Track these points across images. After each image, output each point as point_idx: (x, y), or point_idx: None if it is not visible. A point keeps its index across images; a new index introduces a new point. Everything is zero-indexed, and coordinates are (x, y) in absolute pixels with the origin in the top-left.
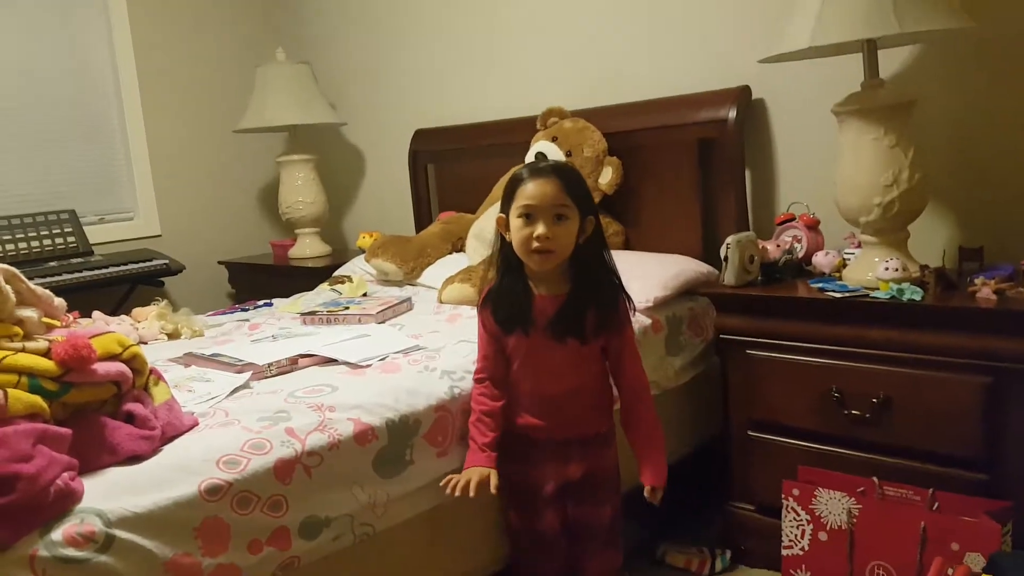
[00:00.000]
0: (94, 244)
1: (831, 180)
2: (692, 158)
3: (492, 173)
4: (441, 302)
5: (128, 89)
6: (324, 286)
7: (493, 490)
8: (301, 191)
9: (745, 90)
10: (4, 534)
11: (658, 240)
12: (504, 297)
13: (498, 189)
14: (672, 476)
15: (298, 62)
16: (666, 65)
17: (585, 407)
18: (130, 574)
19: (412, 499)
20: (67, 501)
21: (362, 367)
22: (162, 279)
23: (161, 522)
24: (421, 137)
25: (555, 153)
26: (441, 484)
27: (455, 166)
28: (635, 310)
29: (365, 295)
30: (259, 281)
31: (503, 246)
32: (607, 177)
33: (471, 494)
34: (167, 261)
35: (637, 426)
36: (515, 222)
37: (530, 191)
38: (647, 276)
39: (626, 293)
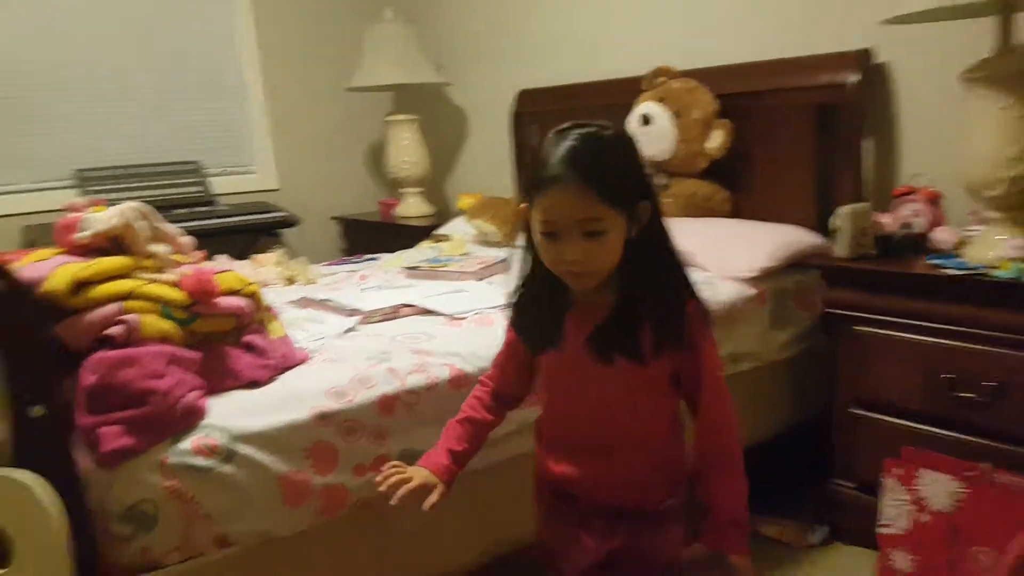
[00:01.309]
0: (217, 194)
1: (955, 153)
2: (808, 124)
3: None
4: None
5: (247, 48)
6: (425, 243)
7: (426, 506)
8: (406, 151)
9: (866, 53)
10: (136, 442)
11: (769, 209)
12: (528, 309)
13: None
14: (768, 450)
15: (405, 21)
16: (783, 25)
17: (643, 464)
18: (248, 485)
19: (499, 445)
20: (194, 417)
21: (458, 319)
22: (279, 230)
23: (276, 441)
24: (525, 98)
25: (661, 115)
26: (377, 479)
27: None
28: (711, 320)
29: (465, 255)
30: (368, 237)
31: (529, 244)
32: (716, 141)
33: (394, 500)
34: (285, 213)
35: (710, 485)
36: (538, 235)
37: (549, 204)
38: (754, 245)
39: (699, 295)
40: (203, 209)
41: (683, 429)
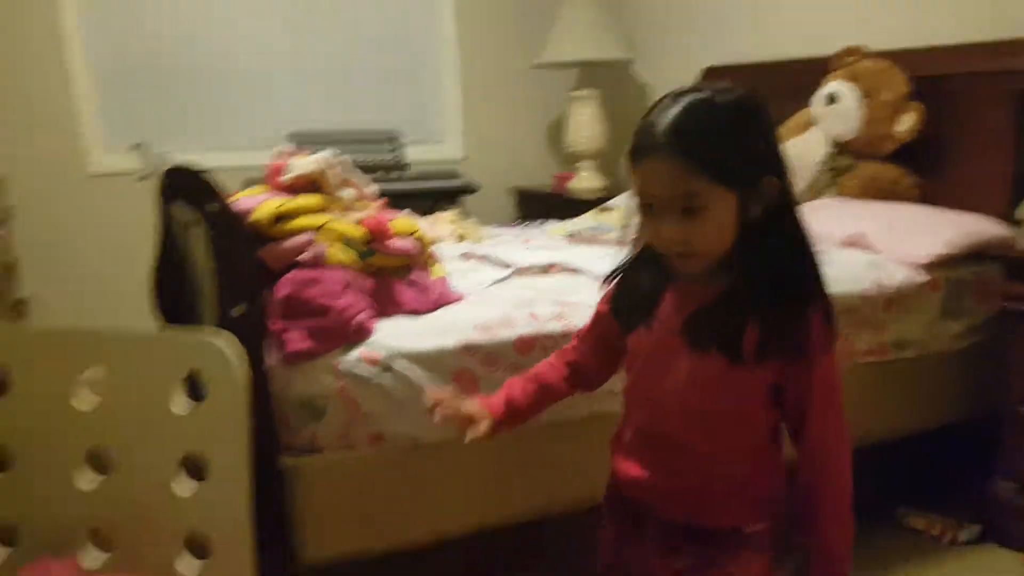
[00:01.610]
0: (409, 162)
1: None
2: (1007, 111)
3: (779, 115)
4: None
5: (447, 26)
6: (591, 214)
7: (468, 439)
8: (585, 126)
9: None
10: (314, 346)
11: (960, 197)
12: (628, 281)
13: (783, 133)
14: (927, 442)
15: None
16: (984, 5)
17: (723, 475)
18: (401, 394)
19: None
20: (362, 333)
21: (595, 276)
22: (460, 196)
23: (427, 362)
24: (710, 76)
25: (849, 94)
26: (431, 399)
27: None
28: (835, 332)
29: (627, 226)
30: (541, 208)
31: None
32: (906, 124)
33: (437, 419)
34: (466, 181)
35: (812, 524)
36: (641, 209)
37: (644, 176)
38: (933, 231)
39: (827, 298)
40: (395, 174)
41: (781, 448)
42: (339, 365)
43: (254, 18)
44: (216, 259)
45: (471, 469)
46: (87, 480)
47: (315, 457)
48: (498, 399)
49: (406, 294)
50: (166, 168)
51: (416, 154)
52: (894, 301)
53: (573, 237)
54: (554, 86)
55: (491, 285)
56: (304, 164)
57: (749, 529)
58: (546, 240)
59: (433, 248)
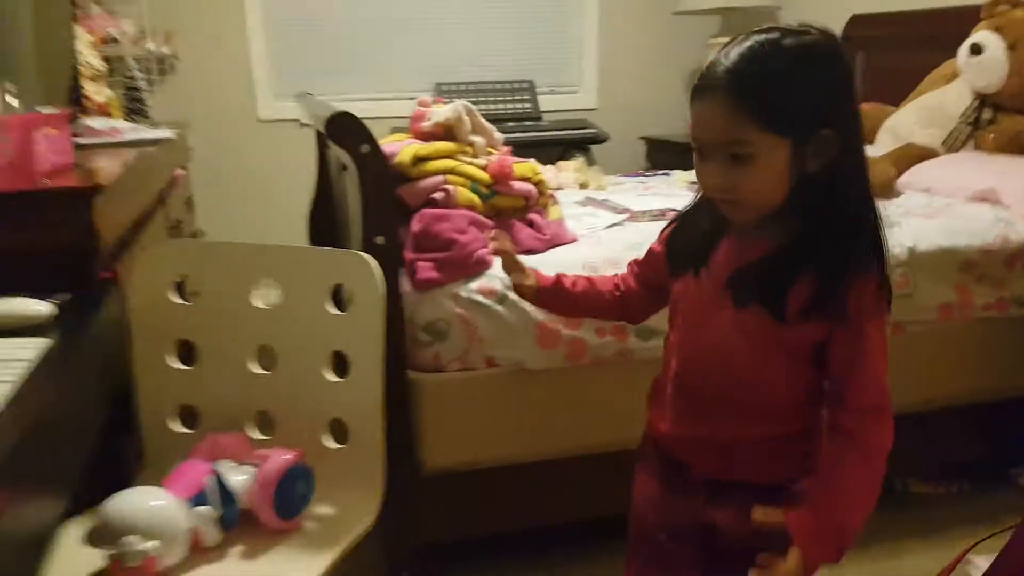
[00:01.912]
0: (543, 111)
1: None
2: None
3: (923, 65)
4: None
5: None
6: None
7: (515, 280)
8: None
9: None
10: (440, 276)
11: None
12: (686, 225)
13: (926, 84)
14: None
15: None
16: None
17: (761, 433)
18: (514, 323)
19: None
20: (482, 266)
21: None
22: (589, 145)
23: None
24: (856, 23)
25: (995, 44)
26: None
27: (886, 56)
28: (890, 300)
29: None
30: (671, 158)
31: None
32: None
33: (495, 250)
34: (596, 131)
35: (828, 491)
36: (695, 153)
37: (697, 114)
38: None
39: (884, 267)
40: (529, 123)
41: (816, 400)
42: (460, 293)
43: None
44: (363, 195)
45: (575, 396)
46: (257, 370)
47: (437, 375)
48: (548, 276)
49: (524, 232)
50: (328, 116)
51: (551, 103)
52: (1018, 257)
53: (693, 184)
54: (694, 33)
55: (605, 229)
56: (441, 113)
57: (795, 487)
58: (666, 188)
59: (553, 193)
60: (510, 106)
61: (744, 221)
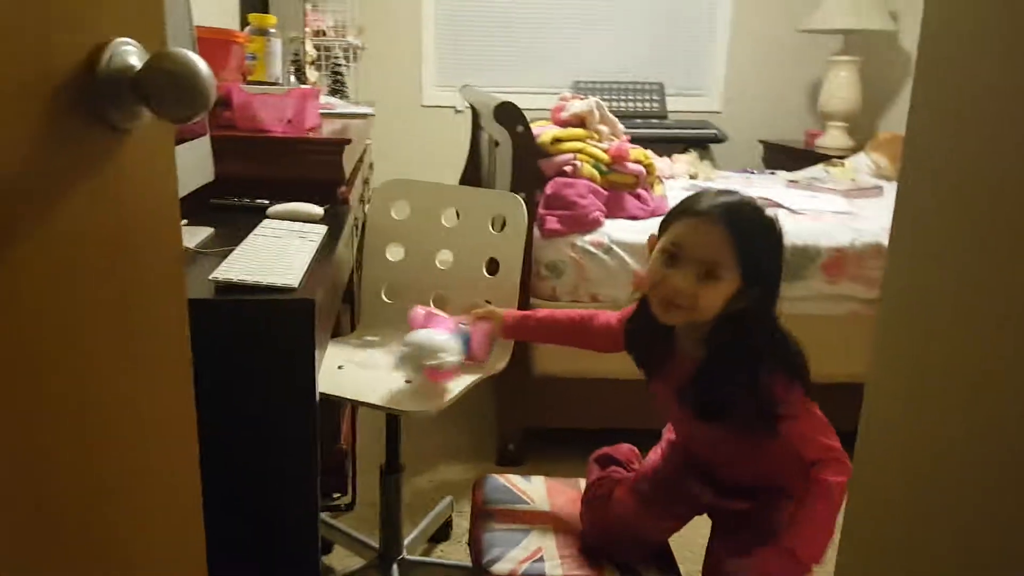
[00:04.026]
0: (671, 111)
1: None
2: None
3: None
4: None
5: None
6: (820, 166)
7: (476, 324)
8: (841, 89)
9: None
10: (562, 229)
11: None
12: (640, 335)
13: None
14: None
15: None
16: None
17: (761, 475)
18: (614, 267)
19: (797, 302)
20: (595, 224)
21: (797, 212)
22: (709, 144)
23: (637, 251)
24: None
25: None
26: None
27: None
28: (807, 390)
29: (853, 180)
30: (785, 161)
31: None
32: None
33: (465, 319)
34: (716, 132)
35: (793, 518)
36: (656, 255)
37: (686, 230)
38: None
39: (795, 372)
40: (656, 120)
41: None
42: (576, 243)
43: None
44: (514, 164)
45: None
46: (440, 266)
47: (552, 303)
48: (519, 312)
49: (631, 203)
50: (495, 103)
51: (679, 104)
52: None
53: (792, 183)
54: (816, 50)
55: None
56: (576, 106)
57: (793, 489)
58: (768, 183)
59: (660, 174)
60: (640, 104)
61: (670, 322)
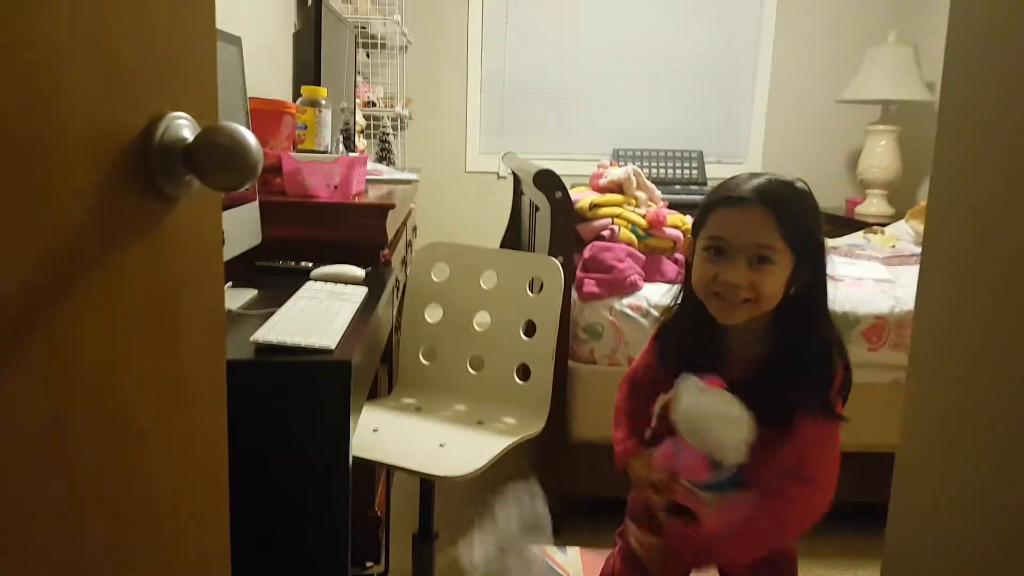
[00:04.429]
0: (709, 178)
1: None
2: None
3: None
4: None
5: (763, 58)
6: (861, 233)
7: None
8: (880, 157)
9: None
10: (600, 292)
11: None
12: (682, 343)
13: None
14: None
15: (905, 44)
16: None
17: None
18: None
19: None
20: (634, 288)
21: (837, 280)
22: None
23: None
24: None
25: None
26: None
27: None
28: (845, 396)
29: (892, 247)
30: (826, 228)
31: (686, 271)
32: None
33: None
34: None
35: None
36: (700, 254)
37: (725, 220)
38: None
39: (847, 365)
40: (694, 187)
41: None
42: (614, 307)
43: (599, 49)
44: (553, 228)
45: None
46: (478, 328)
47: (590, 366)
48: (633, 443)
49: (669, 267)
50: (535, 171)
51: (717, 171)
52: None
53: (833, 249)
54: (855, 119)
55: None
56: (615, 173)
57: None
58: None
59: None
60: (679, 172)
61: (732, 320)
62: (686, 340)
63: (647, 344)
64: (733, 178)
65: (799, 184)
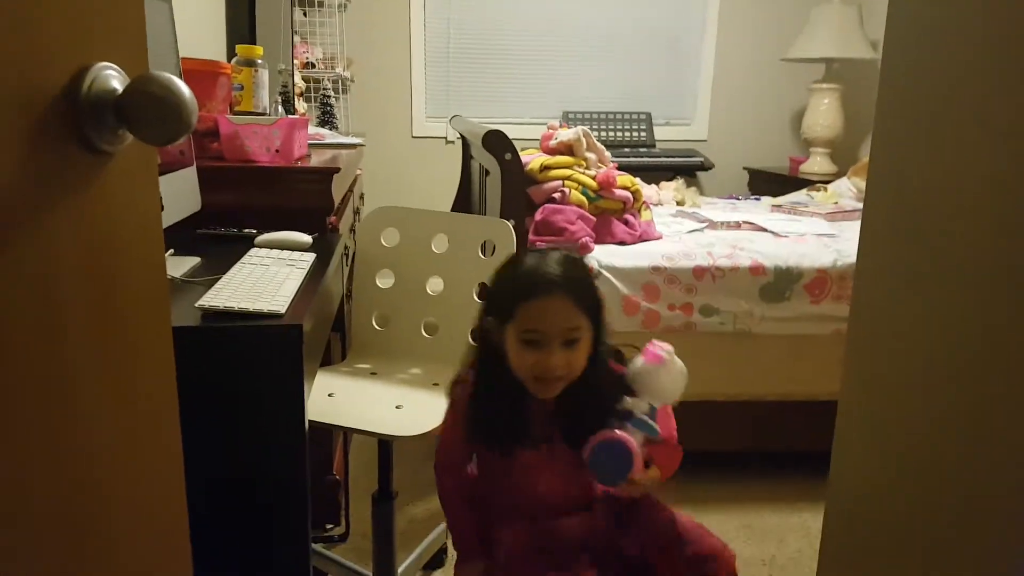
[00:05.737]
0: (658, 140)
1: None
2: None
3: None
4: None
5: (710, 19)
6: (804, 191)
7: None
8: (823, 116)
9: None
10: None
11: None
12: (494, 418)
13: None
14: None
15: (850, 3)
16: None
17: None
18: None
19: (782, 323)
20: (584, 249)
21: (781, 236)
22: (695, 172)
23: (625, 275)
24: None
25: None
26: None
27: None
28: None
29: (836, 203)
30: (770, 186)
31: (485, 347)
32: None
33: None
34: (703, 159)
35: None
36: (516, 344)
37: (535, 312)
38: None
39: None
40: (643, 149)
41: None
42: None
43: (546, 11)
44: (503, 191)
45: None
46: (430, 292)
47: None
48: (476, 548)
49: (619, 228)
50: (484, 132)
51: (665, 133)
52: None
53: (776, 207)
54: (799, 78)
55: (687, 232)
56: (565, 134)
57: None
58: (752, 208)
59: (647, 200)
60: (628, 134)
61: (554, 395)
62: (500, 414)
63: (448, 420)
64: (529, 261)
65: (575, 255)
